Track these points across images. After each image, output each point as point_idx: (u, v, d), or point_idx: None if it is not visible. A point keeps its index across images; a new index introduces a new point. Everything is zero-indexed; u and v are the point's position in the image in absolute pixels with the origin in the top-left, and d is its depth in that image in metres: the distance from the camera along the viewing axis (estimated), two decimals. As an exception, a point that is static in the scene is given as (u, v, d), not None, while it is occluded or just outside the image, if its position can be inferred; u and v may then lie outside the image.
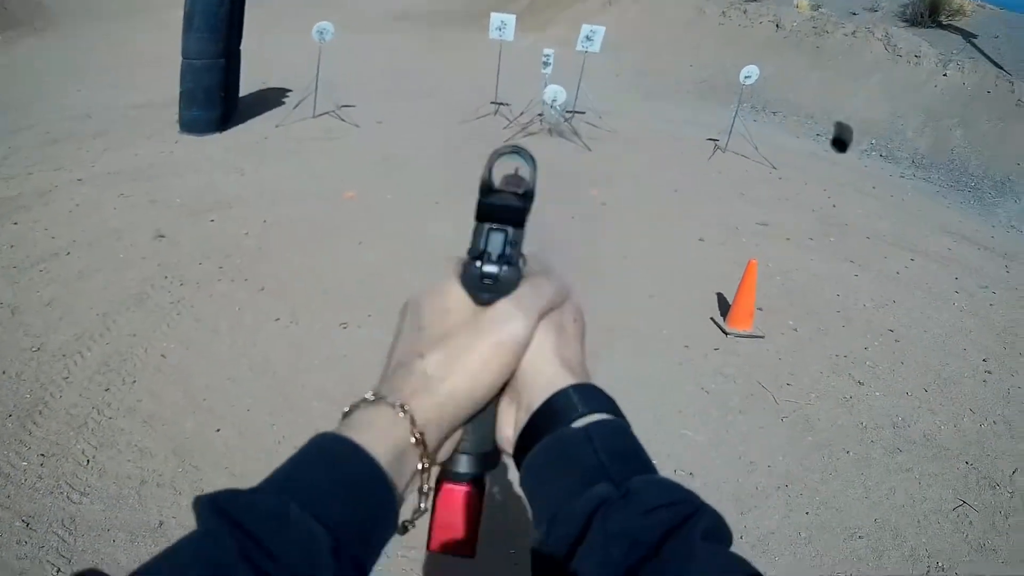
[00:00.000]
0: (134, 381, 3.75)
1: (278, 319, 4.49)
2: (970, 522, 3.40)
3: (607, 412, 0.52)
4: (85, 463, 3.15)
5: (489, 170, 0.56)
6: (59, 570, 2.67)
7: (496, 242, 0.54)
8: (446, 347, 0.52)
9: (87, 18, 15.18)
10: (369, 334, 4.37)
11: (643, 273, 5.63)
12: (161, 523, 2.89)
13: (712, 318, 5.02)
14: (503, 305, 0.53)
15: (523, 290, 0.54)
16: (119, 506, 2.96)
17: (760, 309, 5.01)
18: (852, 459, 3.76)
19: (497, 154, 0.56)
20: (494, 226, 0.55)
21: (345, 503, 0.43)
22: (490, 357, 0.51)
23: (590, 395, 0.52)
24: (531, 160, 0.56)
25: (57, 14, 15.22)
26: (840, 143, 10.18)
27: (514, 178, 0.58)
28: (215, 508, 0.40)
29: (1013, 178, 9.33)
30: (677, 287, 5.45)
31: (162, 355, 4.01)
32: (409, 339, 0.55)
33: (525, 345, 0.53)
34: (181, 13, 7.88)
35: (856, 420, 4.09)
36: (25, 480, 3.01)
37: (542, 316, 0.54)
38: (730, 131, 9.27)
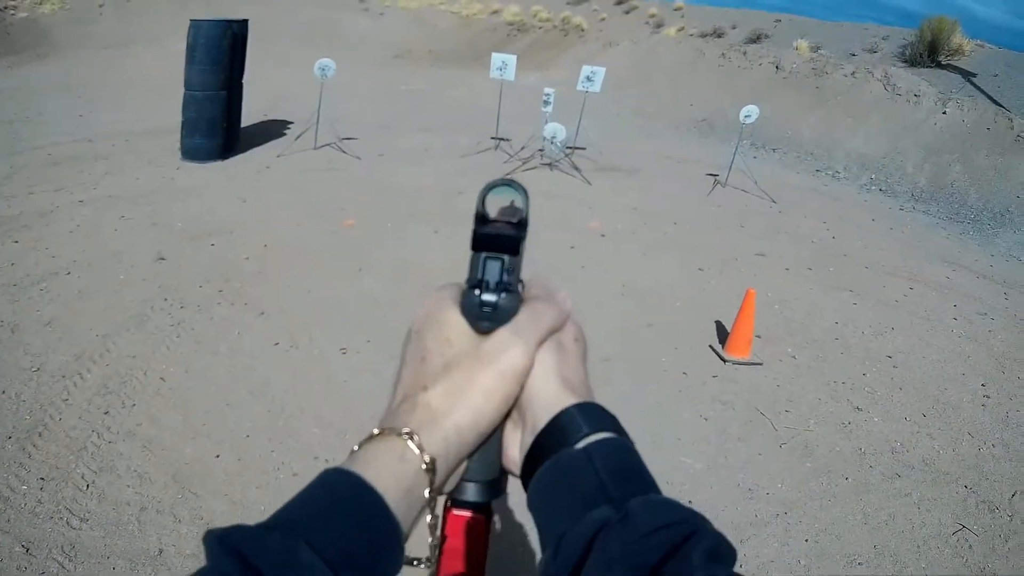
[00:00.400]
0: (133, 404, 3.74)
1: (277, 343, 4.50)
2: (970, 546, 3.38)
3: (610, 431, 0.51)
4: (85, 488, 3.13)
5: (482, 201, 0.57)
6: (57, 597, 2.65)
7: (493, 270, 0.55)
8: (449, 379, 0.52)
9: (89, 46, 15.40)
10: (368, 360, 4.37)
11: (642, 302, 5.66)
12: (161, 551, 2.87)
13: (711, 346, 5.04)
14: (502, 334, 0.53)
15: (522, 317, 0.54)
16: (119, 533, 2.93)
17: (759, 337, 5.03)
18: (851, 485, 3.75)
19: (489, 187, 0.57)
20: (490, 255, 0.55)
21: (351, 542, 0.44)
22: (492, 388, 0.52)
23: (593, 414, 0.52)
24: (523, 191, 0.57)
25: (60, 41, 15.42)
26: None
27: (509, 209, 0.59)
28: (226, 545, 0.40)
29: (1013, 210, 9.42)
30: (676, 316, 5.48)
31: (161, 378, 4.00)
32: (412, 370, 0.55)
33: (526, 373, 0.53)
34: (183, 44, 7.99)
35: (855, 446, 4.09)
36: (25, 504, 2.99)
37: (542, 342, 0.54)
38: (730, 167, 9.40)
